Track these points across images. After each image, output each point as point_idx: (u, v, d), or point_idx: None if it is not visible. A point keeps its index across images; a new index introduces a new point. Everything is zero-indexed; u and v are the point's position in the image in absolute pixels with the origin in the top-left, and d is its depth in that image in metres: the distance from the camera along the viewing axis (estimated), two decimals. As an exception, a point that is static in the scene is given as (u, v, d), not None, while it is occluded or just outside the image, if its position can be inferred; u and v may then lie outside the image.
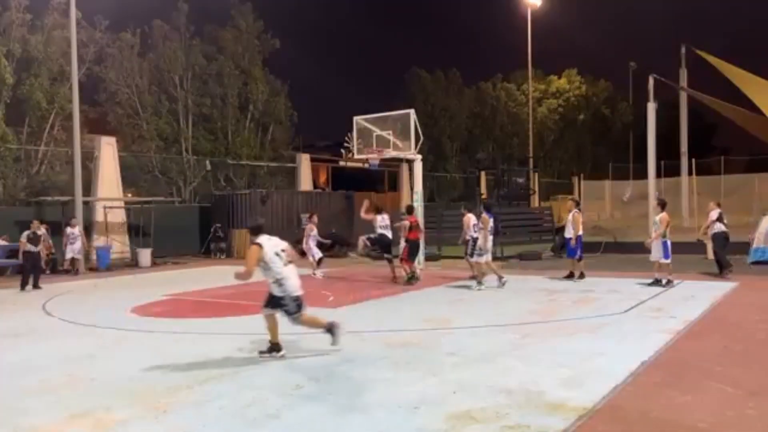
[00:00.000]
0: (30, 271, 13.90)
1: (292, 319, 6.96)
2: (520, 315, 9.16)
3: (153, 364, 6.79)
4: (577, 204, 13.68)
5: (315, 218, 15.50)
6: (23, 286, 13.66)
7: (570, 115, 48.26)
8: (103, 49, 23.80)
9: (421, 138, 16.07)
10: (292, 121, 29.90)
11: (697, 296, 10.46)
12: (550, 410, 4.91)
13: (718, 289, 11.16)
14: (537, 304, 10.22)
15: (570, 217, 12.94)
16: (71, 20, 18.34)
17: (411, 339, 7.73)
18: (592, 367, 6.19)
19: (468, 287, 12.22)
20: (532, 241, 22.83)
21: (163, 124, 25.60)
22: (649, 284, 11.73)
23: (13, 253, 15.88)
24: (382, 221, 13.56)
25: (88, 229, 19.25)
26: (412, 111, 16.17)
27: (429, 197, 34.23)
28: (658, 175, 25.18)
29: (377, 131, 16.47)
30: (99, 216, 20.13)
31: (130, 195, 23.33)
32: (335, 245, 21.55)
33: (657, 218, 12.00)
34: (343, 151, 17.63)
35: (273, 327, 7.03)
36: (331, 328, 7.10)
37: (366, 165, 17.86)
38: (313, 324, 7.21)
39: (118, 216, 20.80)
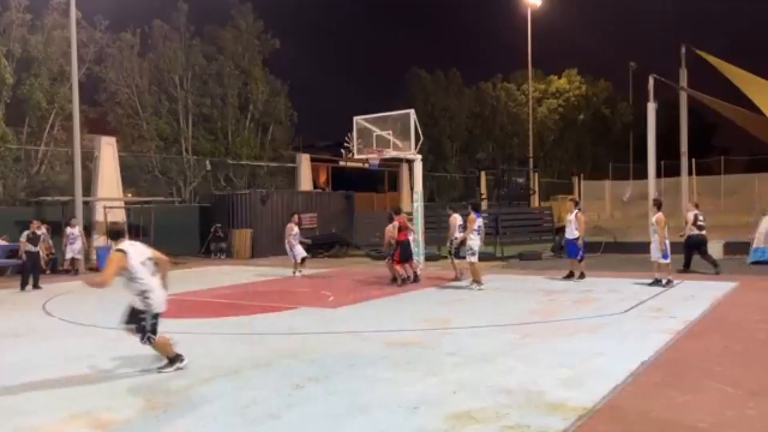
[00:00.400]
0: (30, 271, 13.90)
1: (144, 339, 6.22)
2: (520, 315, 9.16)
3: (153, 364, 6.78)
4: (577, 204, 13.67)
5: (296, 218, 15.55)
6: (23, 286, 13.66)
7: (570, 115, 48.27)
8: (103, 49, 23.80)
9: (421, 138, 16.07)
10: (292, 121, 29.92)
11: (697, 296, 10.45)
12: (550, 410, 4.91)
13: (718, 289, 11.16)
14: (537, 304, 10.21)
15: (572, 217, 12.85)
16: (71, 20, 18.34)
17: (411, 339, 7.73)
18: (592, 367, 6.19)
19: (459, 288, 12.22)
20: (532, 241, 22.82)
21: (163, 124, 25.60)
22: (650, 284, 11.72)
23: (13, 253, 15.88)
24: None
25: (88, 229, 19.24)
26: (412, 111, 16.16)
27: (429, 197, 34.23)
28: (658, 175, 25.19)
29: (377, 131, 16.46)
30: (99, 216, 20.12)
31: (130, 195, 23.32)
32: (335, 245, 21.57)
33: (653, 219, 11.94)
34: (343, 151, 17.62)
35: (162, 342, 6.38)
36: (174, 359, 6.37)
37: (366, 165, 17.85)
38: (163, 349, 6.39)
39: (118, 216, 20.77)
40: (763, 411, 4.90)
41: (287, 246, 15.31)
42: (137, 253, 6.25)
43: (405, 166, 30.51)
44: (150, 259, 6.31)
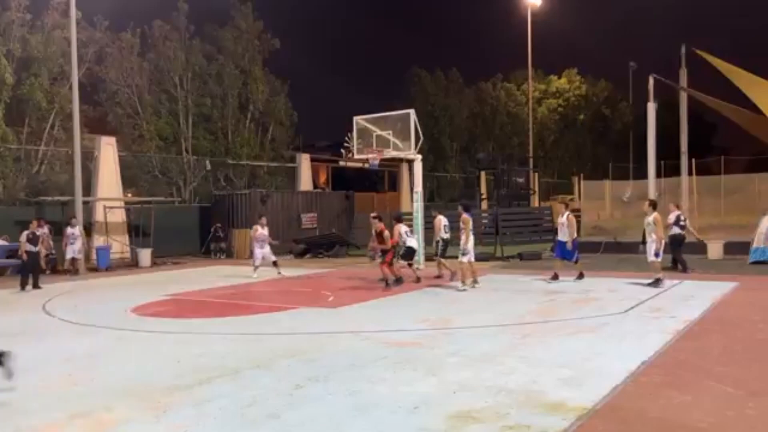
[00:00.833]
0: (30, 271, 13.89)
1: None
2: (520, 315, 9.16)
3: (153, 364, 6.79)
4: (567, 205, 13.64)
5: (264, 220, 15.34)
6: (23, 286, 13.66)
7: (570, 115, 48.29)
8: (103, 49, 23.81)
9: (421, 138, 16.07)
10: (292, 121, 29.92)
11: (696, 296, 10.46)
12: (550, 410, 4.91)
13: (718, 289, 11.16)
14: (537, 304, 10.21)
15: (564, 219, 12.74)
16: (71, 20, 18.34)
17: (411, 339, 7.73)
18: (592, 367, 6.19)
19: (453, 288, 12.18)
20: (532, 241, 22.83)
21: (163, 124, 25.61)
22: (648, 284, 11.68)
23: (13, 253, 15.88)
24: (406, 232, 13.35)
25: (88, 229, 19.25)
26: (412, 111, 16.17)
27: (429, 197, 34.25)
28: (658, 175, 25.13)
29: (377, 131, 16.47)
30: (99, 216, 20.13)
31: (130, 195, 23.33)
32: (335, 245, 21.57)
33: (650, 219, 11.79)
34: (343, 151, 17.62)
35: None
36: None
37: (366, 165, 17.85)
38: None
39: (118, 216, 20.79)
40: (763, 411, 4.90)
41: (254, 248, 15.21)
42: None
43: (405, 166, 30.49)
44: None
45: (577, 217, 23.41)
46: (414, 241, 13.64)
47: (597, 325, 8.30)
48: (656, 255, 11.58)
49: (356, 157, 17.27)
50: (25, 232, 13.92)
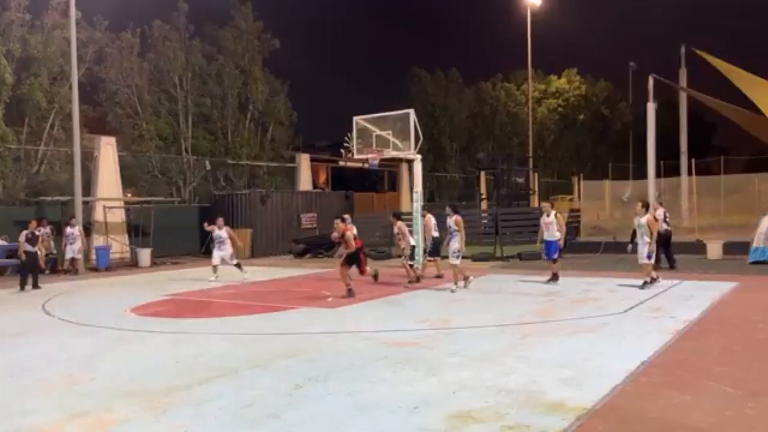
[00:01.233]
0: (29, 271, 13.89)
1: None
2: (520, 315, 9.16)
3: (153, 364, 6.79)
4: (553, 205, 13.52)
5: (221, 221, 14.90)
6: (22, 286, 13.66)
7: (570, 115, 48.30)
8: (103, 49, 23.81)
9: (421, 138, 16.05)
10: (291, 121, 29.92)
11: (696, 296, 10.46)
12: (549, 410, 4.91)
13: (718, 289, 11.16)
14: (537, 304, 10.22)
15: (552, 218, 12.41)
16: (71, 20, 18.34)
17: (411, 339, 7.74)
18: (591, 367, 6.20)
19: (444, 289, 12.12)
20: (532, 241, 22.81)
21: (163, 124, 25.60)
22: (640, 287, 11.41)
23: (12, 253, 15.88)
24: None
25: (88, 229, 19.25)
26: (411, 111, 16.15)
27: (429, 197, 34.24)
28: (658, 175, 25.11)
29: (377, 131, 16.44)
30: (99, 216, 20.13)
31: (129, 195, 23.33)
32: (335, 245, 21.55)
33: (642, 221, 11.60)
34: (342, 151, 17.60)
35: None
36: None
37: (366, 165, 17.83)
38: None
39: (118, 216, 20.79)
40: (763, 411, 4.90)
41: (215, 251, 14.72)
42: None
43: (405, 166, 30.50)
44: None
45: (577, 217, 23.49)
46: (413, 240, 13.62)
47: (597, 325, 8.31)
48: (649, 257, 11.50)
49: (356, 157, 17.24)
50: (24, 232, 13.92)
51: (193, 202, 25.11)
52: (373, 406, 5.16)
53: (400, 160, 22.21)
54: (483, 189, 30.40)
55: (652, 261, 11.64)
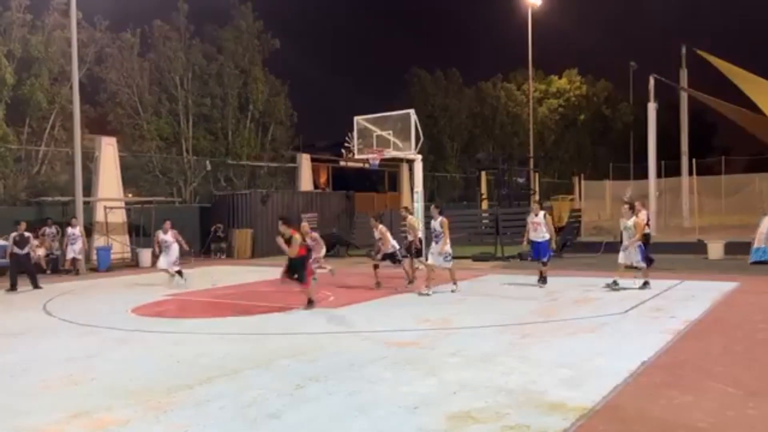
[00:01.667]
0: (19, 272, 13.72)
1: None
2: (521, 315, 9.16)
3: (153, 364, 6.79)
4: (542, 205, 13.18)
5: (168, 224, 14.20)
6: (12, 287, 13.47)
7: (570, 115, 48.28)
8: (104, 49, 23.81)
9: (422, 138, 16.06)
10: (292, 121, 29.91)
11: (697, 296, 10.46)
12: (550, 410, 4.91)
13: (718, 289, 11.16)
14: (537, 304, 10.21)
15: (540, 218, 12.13)
16: (72, 20, 18.36)
17: (411, 339, 7.73)
18: (592, 367, 6.19)
19: (441, 291, 11.76)
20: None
21: (164, 124, 25.60)
22: (639, 288, 11.29)
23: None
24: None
25: (89, 230, 19.26)
26: (412, 111, 16.16)
27: (429, 197, 34.20)
28: (659, 175, 25.17)
29: (377, 131, 16.46)
30: (99, 216, 20.14)
31: (130, 195, 23.35)
32: (335, 245, 21.58)
33: (629, 223, 11.45)
34: (343, 151, 17.62)
35: None
36: None
37: (366, 165, 17.85)
38: None
39: (119, 216, 20.81)
40: (764, 411, 4.89)
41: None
42: None
43: (405, 166, 30.51)
44: None
45: (578, 217, 23.46)
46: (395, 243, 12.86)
47: (597, 325, 8.30)
48: (642, 259, 11.47)
49: (356, 157, 17.26)
50: (12, 235, 13.75)
51: (194, 203, 25.11)
52: (373, 406, 5.16)
53: (401, 160, 22.23)
54: (483, 189, 30.39)
55: (645, 264, 11.55)
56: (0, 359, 7.27)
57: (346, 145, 17.02)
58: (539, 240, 12.21)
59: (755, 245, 15.13)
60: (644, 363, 6.25)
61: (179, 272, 13.89)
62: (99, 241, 19.77)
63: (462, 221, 25.80)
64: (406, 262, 13.36)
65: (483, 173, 30.72)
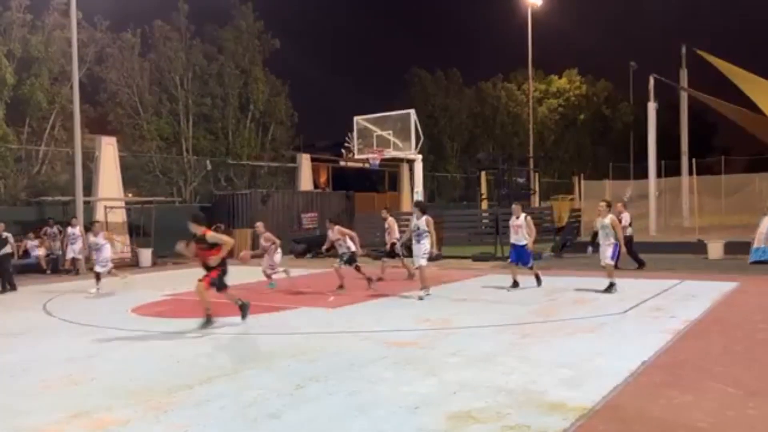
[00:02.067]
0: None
1: None
2: (520, 315, 9.15)
3: (153, 364, 6.79)
4: (522, 207, 12.55)
5: (98, 225, 13.77)
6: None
7: (570, 114, 48.27)
8: (104, 49, 23.85)
9: (422, 138, 16.09)
10: (292, 121, 29.96)
11: (697, 296, 10.45)
12: (550, 410, 4.91)
13: (718, 289, 11.15)
14: (537, 303, 10.21)
15: (522, 221, 11.71)
16: (72, 20, 18.36)
17: (411, 339, 7.73)
18: (592, 367, 6.19)
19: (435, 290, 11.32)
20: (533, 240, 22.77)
21: (164, 124, 25.63)
22: (603, 290, 10.98)
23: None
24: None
25: (89, 229, 19.25)
26: (412, 111, 16.19)
27: (429, 197, 34.24)
28: (659, 175, 25.16)
29: (378, 131, 16.49)
30: (100, 216, 20.14)
31: (130, 195, 23.36)
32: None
33: (606, 221, 11.04)
34: (343, 151, 17.68)
35: None
36: None
37: (366, 165, 17.88)
38: None
39: (119, 216, 20.81)
40: (764, 411, 4.89)
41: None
42: None
43: (405, 166, 30.47)
44: None
45: (578, 217, 23.46)
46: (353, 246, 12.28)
47: (597, 324, 8.30)
48: (612, 257, 11.09)
49: (357, 157, 17.30)
50: None
51: (194, 202, 25.12)
52: (373, 406, 5.16)
53: (401, 160, 22.24)
54: (483, 189, 30.37)
55: (614, 262, 11.28)
56: (0, 359, 7.27)
57: (347, 145, 17.06)
58: (519, 243, 11.75)
59: (755, 245, 15.13)
60: (644, 363, 6.24)
61: (97, 276, 12.89)
62: (99, 241, 19.75)
63: (462, 221, 25.84)
64: (388, 262, 13.40)
65: (483, 173, 30.69)
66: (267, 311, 10.20)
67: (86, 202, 19.05)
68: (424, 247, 10.99)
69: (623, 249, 11.31)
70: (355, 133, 16.78)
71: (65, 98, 20.73)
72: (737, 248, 15.90)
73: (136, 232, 20.91)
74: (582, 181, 27.85)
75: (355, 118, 16.86)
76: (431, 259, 11.76)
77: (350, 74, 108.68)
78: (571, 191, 39.49)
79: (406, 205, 28.20)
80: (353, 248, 12.21)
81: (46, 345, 8.06)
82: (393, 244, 13.45)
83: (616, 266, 11.71)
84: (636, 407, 4.98)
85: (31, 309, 11.05)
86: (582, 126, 48.97)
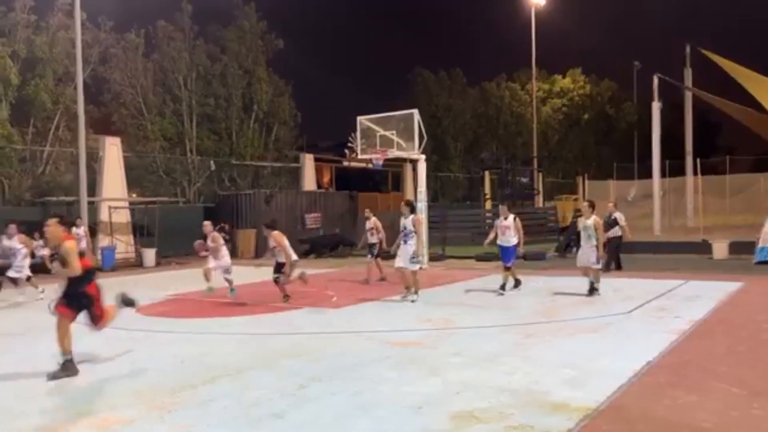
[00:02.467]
0: None
1: None
2: (524, 315, 9.14)
3: (157, 363, 6.80)
4: (510, 207, 12.43)
5: (13, 227, 12.09)
6: None
7: (574, 114, 48.19)
8: (108, 50, 23.92)
9: (425, 138, 16.06)
10: (295, 122, 29.98)
11: (701, 296, 10.42)
12: (553, 410, 4.90)
13: (723, 289, 11.11)
14: (540, 304, 10.20)
15: (510, 222, 11.46)
16: (76, 21, 18.41)
17: (414, 339, 7.73)
18: (596, 367, 6.18)
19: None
20: (536, 241, 22.77)
21: (168, 124, 25.69)
22: (587, 294, 10.67)
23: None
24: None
25: (93, 230, 19.31)
26: (415, 111, 16.15)
27: (433, 197, 34.22)
28: (663, 174, 25.11)
29: (381, 131, 16.46)
30: (104, 216, 20.19)
31: (134, 195, 23.42)
32: (339, 245, 21.60)
33: (589, 222, 10.71)
34: (346, 151, 17.66)
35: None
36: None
37: (370, 165, 17.87)
38: None
39: (123, 216, 20.85)
40: (768, 411, 4.88)
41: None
42: None
43: (409, 166, 30.52)
44: None
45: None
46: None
47: (601, 325, 8.28)
48: (597, 261, 10.73)
49: (360, 157, 17.27)
50: None
51: (198, 203, 25.18)
52: (376, 406, 5.16)
53: (404, 160, 22.26)
54: (487, 189, 30.38)
55: (600, 266, 10.90)
56: (1, 359, 7.29)
57: (350, 145, 17.03)
58: (506, 245, 11.48)
59: (760, 245, 15.07)
60: (648, 363, 6.23)
61: (29, 278, 11.97)
62: (103, 241, 19.82)
63: (466, 221, 25.82)
64: (374, 262, 13.38)
65: (487, 173, 30.71)
66: (270, 311, 10.22)
67: (90, 203, 19.10)
68: (411, 248, 10.59)
69: (601, 253, 10.77)
70: (358, 133, 16.76)
71: (69, 99, 20.79)
72: (742, 248, 15.85)
73: (140, 232, 20.95)
74: (586, 181, 27.81)
75: (359, 118, 16.84)
76: (434, 258, 11.69)
77: (351, 74, 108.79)
78: (575, 191, 39.40)
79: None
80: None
81: (46, 344, 8.05)
82: (377, 244, 13.40)
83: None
84: (640, 407, 4.97)
85: (31, 309, 11.03)
86: (586, 126, 48.87)
